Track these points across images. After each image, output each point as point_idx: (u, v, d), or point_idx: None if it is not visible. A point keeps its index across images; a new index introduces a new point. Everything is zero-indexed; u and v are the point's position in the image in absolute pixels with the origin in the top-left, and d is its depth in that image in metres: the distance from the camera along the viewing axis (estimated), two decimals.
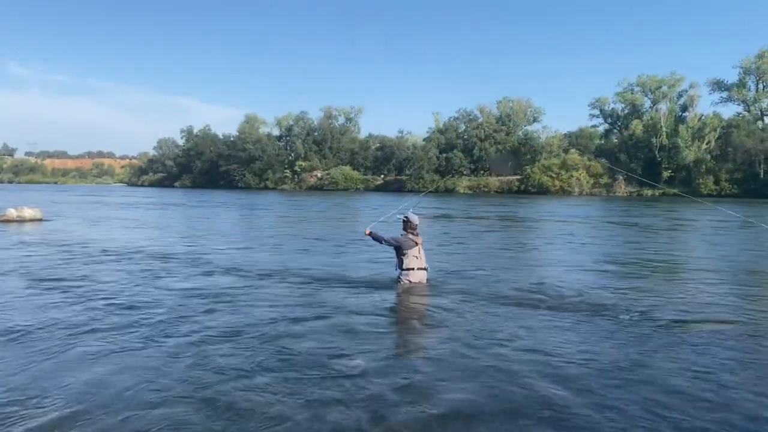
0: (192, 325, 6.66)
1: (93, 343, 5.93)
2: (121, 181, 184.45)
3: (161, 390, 4.66)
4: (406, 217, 9.16)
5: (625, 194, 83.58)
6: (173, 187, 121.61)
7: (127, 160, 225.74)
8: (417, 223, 9.13)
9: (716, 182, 79.08)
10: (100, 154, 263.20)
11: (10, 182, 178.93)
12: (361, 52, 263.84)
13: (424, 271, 9.12)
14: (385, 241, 9.11)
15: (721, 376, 5.14)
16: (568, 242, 17.52)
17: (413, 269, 8.97)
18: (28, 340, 6.02)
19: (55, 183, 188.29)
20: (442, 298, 8.37)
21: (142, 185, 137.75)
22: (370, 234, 9.26)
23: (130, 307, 7.57)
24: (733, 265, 12.87)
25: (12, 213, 22.12)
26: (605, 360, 5.55)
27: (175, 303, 7.88)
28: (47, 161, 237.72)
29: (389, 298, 8.49)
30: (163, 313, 7.24)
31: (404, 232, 9.09)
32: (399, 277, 9.06)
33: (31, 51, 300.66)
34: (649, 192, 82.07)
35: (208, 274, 10.49)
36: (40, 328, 6.47)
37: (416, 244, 8.97)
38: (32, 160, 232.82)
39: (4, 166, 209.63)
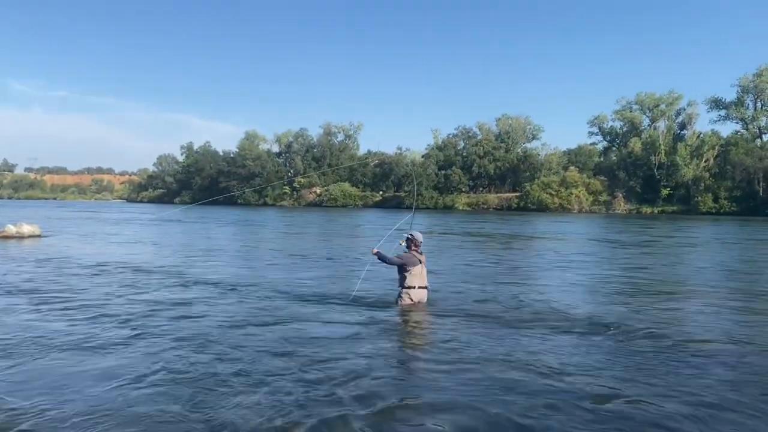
0: (171, 339, 6.62)
1: (86, 357, 5.88)
2: (120, 198, 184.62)
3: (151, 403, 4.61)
4: (410, 234, 9.11)
5: (625, 212, 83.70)
6: (173, 203, 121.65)
7: (127, 177, 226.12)
8: (421, 240, 9.08)
9: (715, 200, 79.19)
10: (100, 170, 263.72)
11: (10, 198, 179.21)
12: (361, 70, 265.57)
13: (425, 290, 9.05)
14: (390, 260, 9.00)
15: (716, 396, 5.11)
16: (566, 261, 17.48)
17: (414, 287, 8.90)
18: (18, 354, 5.98)
19: (54, 199, 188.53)
20: (441, 317, 8.33)
21: (141, 201, 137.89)
22: (377, 254, 9.11)
23: (124, 321, 7.54)
24: (729, 283, 12.83)
25: (11, 229, 22.09)
26: (601, 380, 5.52)
27: (165, 318, 7.84)
28: (47, 177, 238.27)
29: (388, 315, 8.43)
30: (151, 329, 7.20)
31: (407, 250, 9.04)
32: (400, 295, 8.98)
33: (32, 68, 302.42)
34: (648, 210, 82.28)
35: (200, 289, 10.45)
36: (29, 342, 6.43)
37: (420, 261, 8.91)
38: (32, 176, 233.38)
39: (4, 182, 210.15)
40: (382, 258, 9.06)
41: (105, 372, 5.55)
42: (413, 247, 8.99)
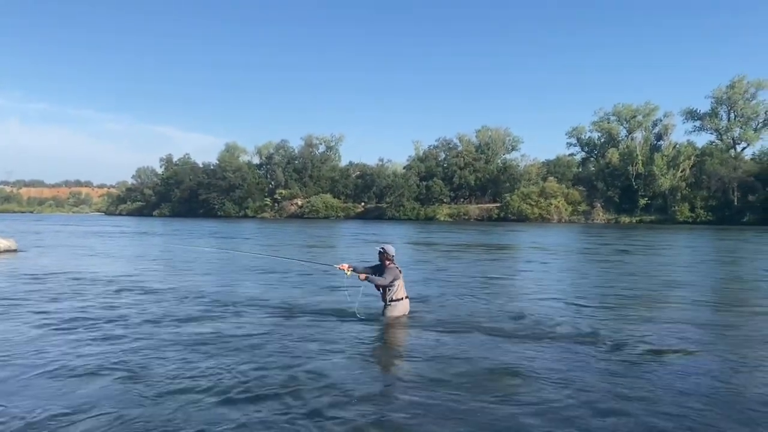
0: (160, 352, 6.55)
1: (61, 372, 5.80)
2: (98, 211, 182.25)
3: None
4: (382, 248, 9.02)
5: (603, 221, 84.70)
6: (151, 215, 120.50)
7: (105, 189, 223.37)
8: (393, 253, 9.04)
9: (692, 209, 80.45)
10: (78, 183, 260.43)
11: None
12: (342, 81, 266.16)
13: (408, 301, 9.08)
14: (381, 281, 8.75)
15: (699, 405, 5.19)
16: (546, 271, 17.62)
17: (402, 299, 8.92)
18: None
19: (32, 212, 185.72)
20: (426, 329, 8.35)
21: (120, 214, 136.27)
22: (366, 278, 8.83)
23: (101, 337, 7.44)
24: (709, 292, 13.04)
25: None
26: (586, 390, 5.57)
27: (141, 333, 7.76)
28: (23, 190, 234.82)
29: (375, 329, 8.43)
30: (131, 344, 7.12)
31: (386, 263, 8.93)
32: (386, 307, 8.94)
33: (8, 80, 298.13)
34: (626, 219, 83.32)
35: (176, 303, 10.36)
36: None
37: (400, 273, 8.93)
38: (8, 189, 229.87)
39: None
40: (371, 281, 8.83)
41: (80, 390, 5.47)
42: (387, 261, 8.88)
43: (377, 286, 8.93)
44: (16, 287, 12.58)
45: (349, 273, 9.00)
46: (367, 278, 8.82)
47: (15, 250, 22.49)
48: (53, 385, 5.63)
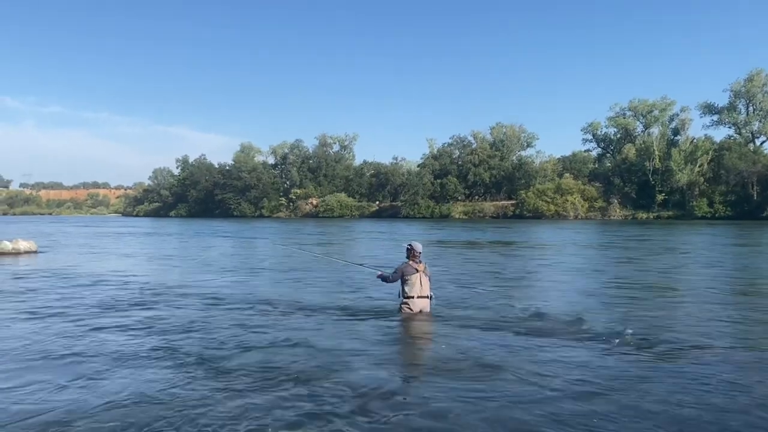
0: (172, 351, 6.62)
1: (86, 371, 5.89)
2: (116, 212, 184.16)
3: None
4: (410, 245, 9.18)
5: (620, 217, 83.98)
6: (168, 216, 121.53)
7: (122, 191, 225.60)
8: (420, 250, 9.11)
9: (710, 204, 79.58)
10: (95, 185, 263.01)
11: (5, 214, 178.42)
12: (356, 81, 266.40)
13: (427, 300, 9.03)
14: (390, 278, 9.19)
15: (721, 401, 5.14)
16: (564, 267, 17.53)
17: (413, 297, 8.90)
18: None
19: (50, 214, 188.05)
20: (442, 326, 8.36)
21: (137, 215, 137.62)
22: (380, 276, 9.47)
23: (121, 334, 7.53)
24: (728, 287, 12.90)
25: (7, 245, 22.04)
26: (605, 387, 5.53)
27: (159, 330, 7.83)
28: (42, 192, 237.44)
29: (389, 326, 8.44)
30: (145, 342, 7.20)
31: (407, 260, 9.08)
32: (400, 306, 9.02)
33: (25, 85, 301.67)
34: (643, 215, 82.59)
35: (205, 303, 10.44)
36: (29, 357, 6.43)
37: (417, 271, 8.92)
38: (27, 191, 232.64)
39: (0, 197, 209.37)
40: (384, 278, 9.37)
41: (104, 386, 5.55)
42: (412, 257, 9.04)
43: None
44: (36, 286, 12.76)
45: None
46: (380, 276, 9.49)
47: (36, 252, 22.82)
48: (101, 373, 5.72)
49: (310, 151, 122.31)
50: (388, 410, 4.96)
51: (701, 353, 6.84)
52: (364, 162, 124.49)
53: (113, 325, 8.53)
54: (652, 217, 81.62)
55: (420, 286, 8.94)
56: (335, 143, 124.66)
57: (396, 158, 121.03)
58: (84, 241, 33.49)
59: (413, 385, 5.83)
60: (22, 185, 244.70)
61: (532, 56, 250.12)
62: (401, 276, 8.96)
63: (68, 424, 4.65)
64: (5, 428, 4.59)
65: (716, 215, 77.01)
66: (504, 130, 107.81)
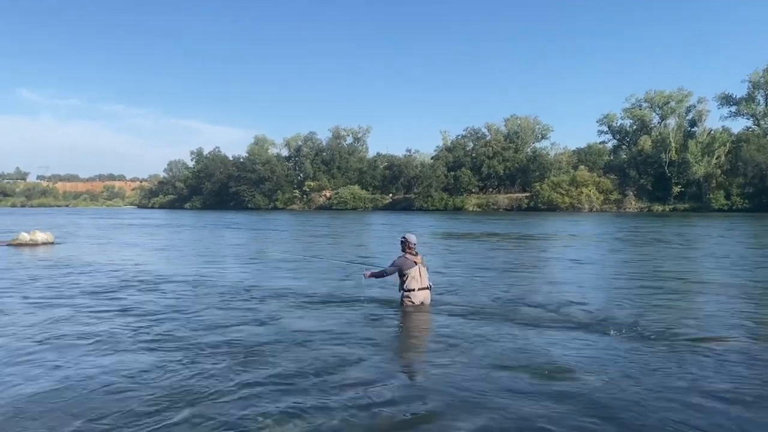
0: (191, 339, 6.67)
1: (101, 360, 5.95)
2: (131, 204, 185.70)
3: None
4: (404, 237, 9.09)
5: (636, 210, 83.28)
6: (183, 208, 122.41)
7: (138, 183, 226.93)
8: (415, 242, 9.05)
9: (727, 197, 78.61)
10: (111, 177, 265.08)
11: (23, 206, 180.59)
12: (369, 72, 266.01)
13: (427, 291, 9.01)
14: (386, 273, 9.12)
15: (736, 394, 5.08)
16: (577, 259, 17.41)
17: (414, 290, 8.85)
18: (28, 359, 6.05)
19: (67, 206, 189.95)
20: (445, 318, 8.33)
21: (152, 207, 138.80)
22: (371, 275, 9.33)
23: (136, 326, 7.60)
24: (746, 282, 12.74)
25: (25, 237, 22.32)
26: (618, 380, 5.50)
27: (178, 324, 7.89)
28: (59, 184, 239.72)
29: (391, 320, 8.42)
30: (161, 333, 7.26)
31: (402, 253, 9.01)
32: (402, 299, 8.98)
33: (41, 77, 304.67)
34: (659, 208, 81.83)
35: (217, 295, 10.52)
36: (42, 346, 6.51)
37: (415, 263, 8.88)
38: (44, 183, 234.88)
39: (17, 190, 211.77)
40: (377, 275, 9.28)
41: (120, 377, 5.61)
42: (407, 250, 8.96)
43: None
44: (52, 278, 12.91)
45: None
46: (371, 275, 9.36)
47: (52, 243, 23.08)
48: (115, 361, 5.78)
49: (324, 144, 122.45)
50: (392, 403, 4.97)
51: (717, 345, 6.77)
52: (378, 154, 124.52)
53: (132, 313, 8.61)
54: (668, 209, 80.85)
55: (420, 277, 8.90)
56: (348, 135, 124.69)
57: (409, 150, 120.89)
58: (100, 232, 33.81)
59: (419, 378, 5.83)
60: (39, 177, 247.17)
61: (548, 47, 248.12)
62: (400, 270, 8.92)
63: (61, 405, 4.70)
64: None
65: (733, 207, 76.09)
66: (518, 121, 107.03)
